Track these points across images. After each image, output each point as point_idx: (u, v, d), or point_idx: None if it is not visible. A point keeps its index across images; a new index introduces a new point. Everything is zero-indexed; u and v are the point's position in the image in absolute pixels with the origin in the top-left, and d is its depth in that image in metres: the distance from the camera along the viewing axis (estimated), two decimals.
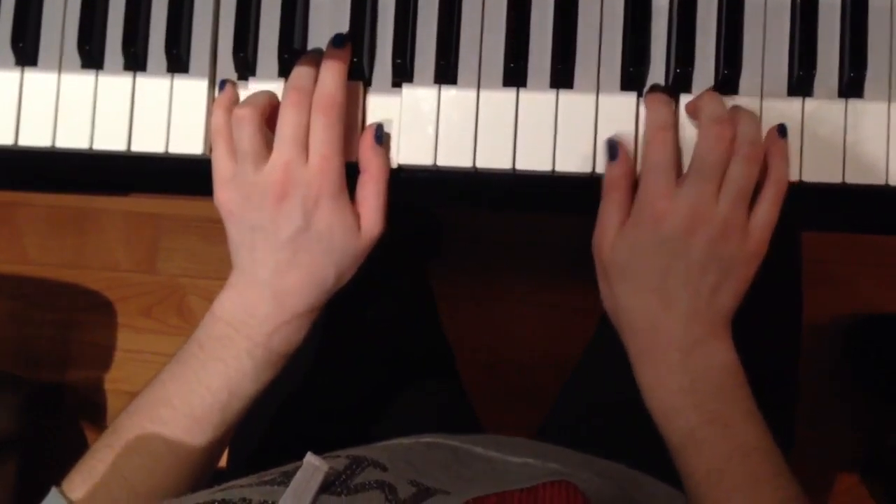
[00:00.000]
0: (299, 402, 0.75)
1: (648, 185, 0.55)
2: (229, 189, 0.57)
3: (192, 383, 0.56)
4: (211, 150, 0.59)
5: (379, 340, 0.78)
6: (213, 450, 0.57)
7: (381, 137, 0.58)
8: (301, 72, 0.57)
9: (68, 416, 1.31)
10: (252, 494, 0.45)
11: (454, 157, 0.59)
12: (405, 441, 0.60)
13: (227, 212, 0.57)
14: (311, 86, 0.57)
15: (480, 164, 0.59)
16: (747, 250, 0.54)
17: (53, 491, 0.53)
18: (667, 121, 0.56)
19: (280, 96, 0.58)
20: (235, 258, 0.58)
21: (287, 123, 0.56)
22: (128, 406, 0.57)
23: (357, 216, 0.57)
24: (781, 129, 0.57)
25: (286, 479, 0.46)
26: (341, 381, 0.76)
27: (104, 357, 1.32)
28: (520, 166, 0.58)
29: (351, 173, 0.57)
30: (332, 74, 0.56)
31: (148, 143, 0.60)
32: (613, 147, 0.57)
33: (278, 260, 0.56)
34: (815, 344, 1.23)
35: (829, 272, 1.24)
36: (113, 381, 1.32)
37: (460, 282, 1.22)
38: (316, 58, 0.58)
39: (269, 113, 0.57)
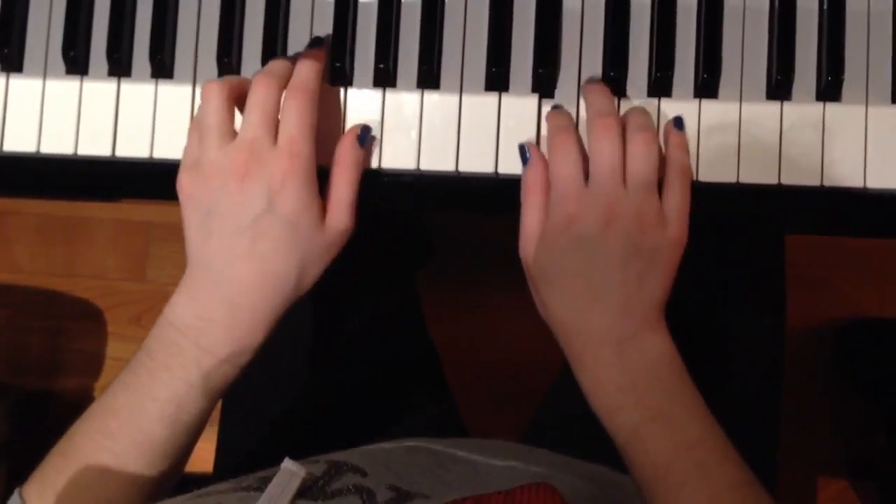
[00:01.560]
0: (286, 408, 0.75)
1: (558, 188, 0.54)
2: (191, 171, 0.54)
3: (139, 394, 0.53)
4: None
5: (366, 347, 0.78)
6: (165, 463, 0.54)
7: (365, 139, 0.58)
8: (275, 62, 0.56)
9: (57, 423, 1.30)
10: (228, 500, 0.45)
11: (437, 161, 0.59)
12: (387, 445, 0.60)
13: (186, 195, 0.54)
14: (284, 74, 0.55)
15: (463, 168, 0.59)
16: (668, 238, 0.54)
17: (15, 495, 0.52)
18: (565, 123, 0.56)
19: None
20: (190, 250, 0.54)
21: (255, 102, 0.54)
22: (83, 412, 0.54)
23: (324, 210, 0.54)
24: (677, 122, 0.57)
25: (264, 485, 0.46)
26: (328, 387, 0.76)
27: (93, 365, 1.32)
28: (502, 170, 0.59)
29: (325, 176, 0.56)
30: (306, 66, 0.56)
31: (133, 148, 0.60)
32: (525, 151, 0.57)
33: (235, 247, 0.52)
34: (803, 348, 1.23)
35: (817, 276, 1.25)
36: (102, 388, 1.31)
37: (448, 286, 1.23)
38: (293, 57, 0.58)
39: (240, 96, 0.56)
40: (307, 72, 0.55)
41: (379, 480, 0.51)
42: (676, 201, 0.55)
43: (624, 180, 0.54)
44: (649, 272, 0.53)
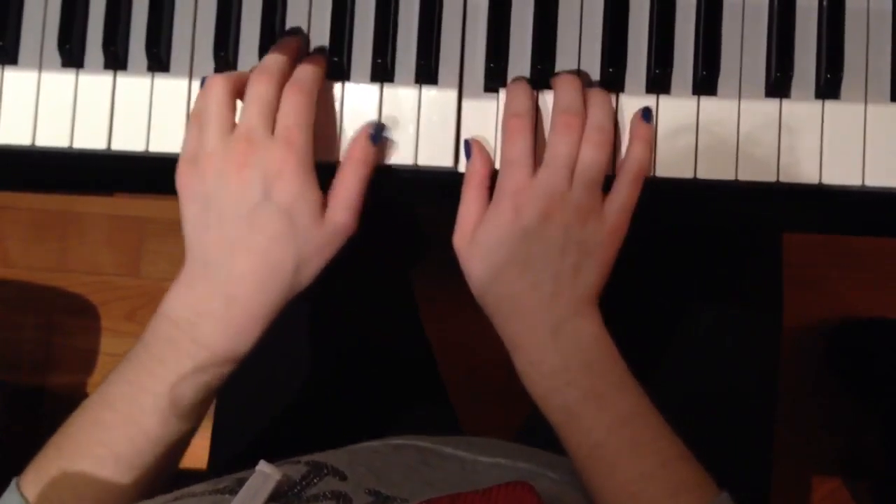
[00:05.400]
0: (280, 405, 0.75)
1: (505, 176, 0.55)
2: (189, 163, 0.54)
3: (134, 387, 0.53)
4: None
5: (362, 345, 0.78)
6: (160, 457, 0.54)
7: (378, 137, 0.58)
8: (274, 56, 0.56)
9: (49, 419, 1.30)
10: (202, 503, 0.45)
11: (435, 157, 0.59)
12: (373, 444, 0.60)
13: (184, 185, 0.54)
14: (283, 70, 0.56)
15: (461, 164, 0.59)
16: (604, 232, 0.55)
17: (13, 485, 0.52)
18: (521, 109, 0.56)
19: None
20: (188, 242, 0.54)
21: (254, 95, 0.54)
22: (80, 404, 0.54)
23: (324, 202, 0.54)
24: (646, 113, 0.58)
25: (239, 487, 0.46)
26: (323, 385, 0.76)
27: (86, 361, 1.31)
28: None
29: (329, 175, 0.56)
30: (306, 67, 0.56)
31: (128, 141, 0.60)
32: (468, 146, 0.58)
33: (232, 238, 0.53)
34: (797, 347, 1.24)
35: (812, 276, 1.25)
36: (95, 385, 1.31)
37: (442, 283, 1.22)
38: (289, 46, 0.58)
39: (242, 91, 0.56)
40: (306, 71, 0.56)
41: (358, 484, 0.50)
42: (623, 197, 0.56)
43: (572, 174, 0.55)
44: (585, 264, 0.55)
